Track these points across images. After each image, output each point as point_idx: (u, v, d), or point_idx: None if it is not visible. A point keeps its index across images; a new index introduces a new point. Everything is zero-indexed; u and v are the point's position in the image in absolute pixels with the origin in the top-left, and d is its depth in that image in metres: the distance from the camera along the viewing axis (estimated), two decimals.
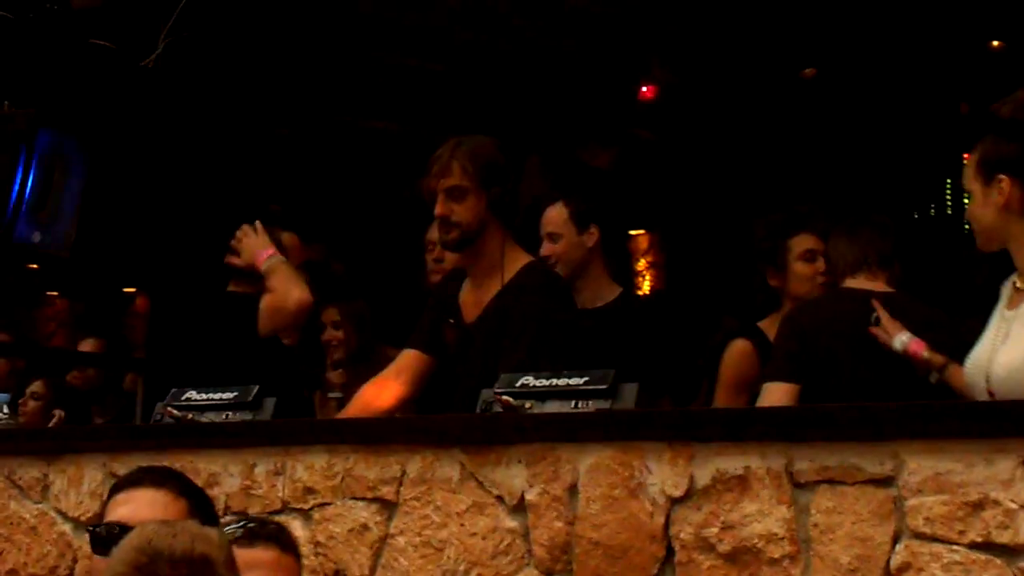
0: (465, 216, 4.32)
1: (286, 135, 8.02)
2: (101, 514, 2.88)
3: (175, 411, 4.12)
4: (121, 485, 3.00)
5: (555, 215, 5.03)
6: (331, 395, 5.90)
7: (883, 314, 4.09)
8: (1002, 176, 3.68)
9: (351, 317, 6.12)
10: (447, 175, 4.33)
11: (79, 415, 6.99)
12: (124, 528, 2.70)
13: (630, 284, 9.46)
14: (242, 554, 2.71)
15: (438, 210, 4.35)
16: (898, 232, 4.62)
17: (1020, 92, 4.31)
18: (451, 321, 4.45)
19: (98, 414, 7.49)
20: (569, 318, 4.38)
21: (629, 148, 8.69)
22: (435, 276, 5.30)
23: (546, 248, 4.97)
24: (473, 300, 4.42)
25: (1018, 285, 3.71)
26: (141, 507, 2.85)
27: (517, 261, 4.39)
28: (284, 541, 3.02)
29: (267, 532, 3.01)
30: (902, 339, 4.04)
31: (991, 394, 3.59)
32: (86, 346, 8.25)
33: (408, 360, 4.53)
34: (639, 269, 9.66)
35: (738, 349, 4.69)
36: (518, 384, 3.61)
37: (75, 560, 4.18)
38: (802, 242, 4.71)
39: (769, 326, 4.71)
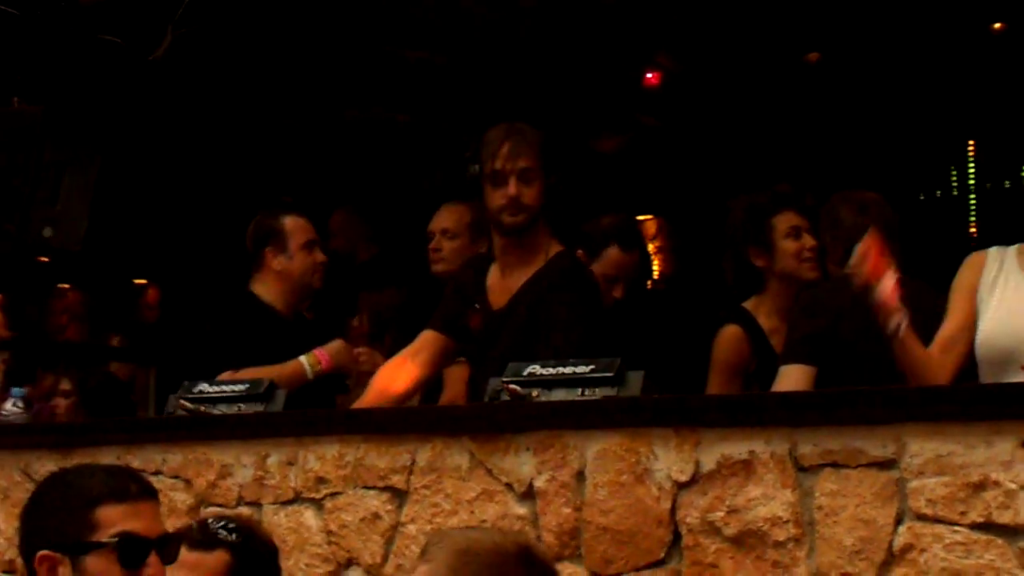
0: (534, 199, 4.28)
1: (297, 125, 8.05)
2: None
3: (188, 403, 4.16)
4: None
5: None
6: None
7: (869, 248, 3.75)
8: None
9: (376, 304, 6.12)
10: (520, 157, 4.27)
11: (123, 406, 7.10)
12: None
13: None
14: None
15: (511, 190, 4.26)
16: (904, 215, 4.63)
17: None
18: (477, 306, 4.43)
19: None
20: (599, 307, 4.36)
21: (636, 134, 8.72)
22: (436, 266, 5.37)
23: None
24: (501, 286, 4.38)
25: None
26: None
27: (550, 249, 4.36)
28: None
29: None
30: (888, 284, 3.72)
31: None
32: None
33: (426, 341, 4.48)
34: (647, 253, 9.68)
35: (728, 335, 4.65)
36: (525, 373, 3.65)
37: None
38: (787, 219, 4.69)
39: (755, 307, 4.70)
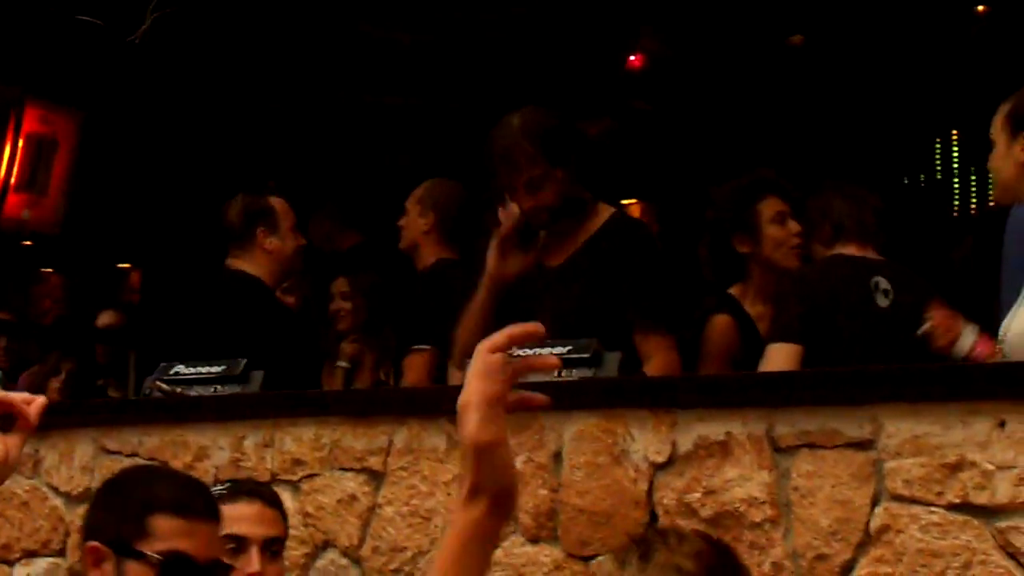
0: (550, 200, 4.13)
1: (278, 109, 8.02)
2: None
3: (164, 385, 4.14)
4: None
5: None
6: (339, 364, 5.91)
7: (940, 316, 3.89)
8: None
9: (361, 289, 6.15)
10: (517, 170, 4.10)
11: (95, 389, 7.12)
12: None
13: None
14: (225, 509, 2.76)
15: (524, 205, 4.13)
16: (888, 198, 4.66)
17: None
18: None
19: (114, 388, 7.59)
20: (665, 264, 4.25)
21: (622, 118, 8.68)
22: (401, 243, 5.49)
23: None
24: (554, 248, 4.21)
25: None
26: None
27: (603, 211, 4.24)
28: (267, 496, 3.09)
29: (248, 488, 3.07)
30: (969, 340, 3.85)
31: None
32: (105, 318, 8.26)
33: None
34: None
35: (719, 324, 4.58)
36: None
37: (67, 534, 4.21)
38: (772, 205, 4.65)
39: (740, 294, 4.67)
